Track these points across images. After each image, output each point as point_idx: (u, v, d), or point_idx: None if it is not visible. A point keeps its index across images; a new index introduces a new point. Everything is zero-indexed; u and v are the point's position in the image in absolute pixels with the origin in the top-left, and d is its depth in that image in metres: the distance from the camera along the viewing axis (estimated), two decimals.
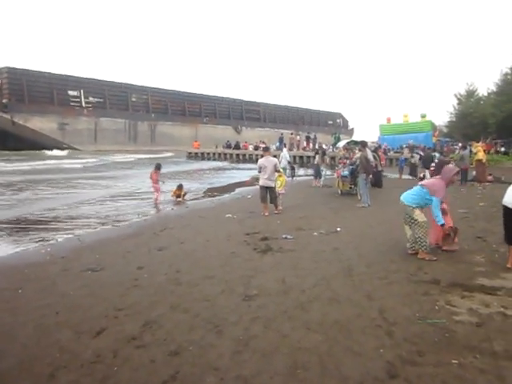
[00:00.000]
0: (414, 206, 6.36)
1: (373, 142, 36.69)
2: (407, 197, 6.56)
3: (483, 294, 4.74)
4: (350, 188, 14.83)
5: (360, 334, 3.80)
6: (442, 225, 6.29)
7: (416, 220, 6.29)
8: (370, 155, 13.04)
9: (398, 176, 21.28)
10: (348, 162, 15.99)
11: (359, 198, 13.54)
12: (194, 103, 69.49)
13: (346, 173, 14.81)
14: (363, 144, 13.58)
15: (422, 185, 6.55)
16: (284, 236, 8.00)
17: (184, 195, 14.46)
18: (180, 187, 14.66)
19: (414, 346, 3.54)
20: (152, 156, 41.87)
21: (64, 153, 46.51)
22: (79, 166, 31.82)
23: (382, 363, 3.29)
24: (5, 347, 3.80)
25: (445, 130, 52.23)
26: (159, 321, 4.21)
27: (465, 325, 3.97)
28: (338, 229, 8.67)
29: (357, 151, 15.41)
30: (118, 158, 41.62)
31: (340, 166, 16.79)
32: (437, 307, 4.38)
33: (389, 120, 43.26)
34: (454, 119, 48.97)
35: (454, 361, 3.30)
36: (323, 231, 8.45)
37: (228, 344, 3.68)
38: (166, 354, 3.53)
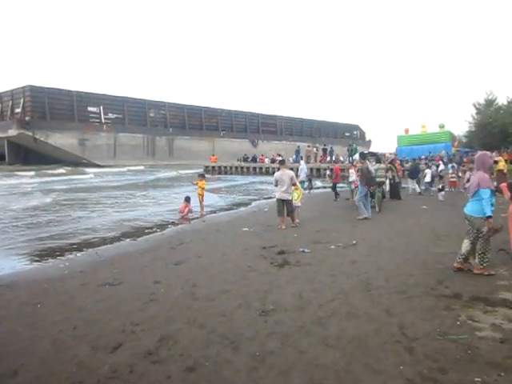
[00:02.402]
0: (485, 215, 5.76)
1: (390, 154, 36.44)
2: (475, 207, 5.94)
3: (507, 309, 4.60)
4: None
5: (379, 350, 3.72)
6: (489, 217, 5.73)
7: (483, 233, 5.85)
8: (370, 167, 12.92)
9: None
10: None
11: (377, 209, 13.41)
12: (211, 117, 70.15)
13: None
14: (362, 156, 13.53)
15: (479, 188, 5.93)
16: (301, 249, 7.94)
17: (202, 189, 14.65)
18: (202, 176, 15.04)
19: (435, 363, 3.44)
20: (188, 171, 41.85)
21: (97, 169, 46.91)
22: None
23: (401, 381, 3.21)
24: (24, 361, 3.83)
25: (464, 140, 51.50)
26: (175, 336, 4.19)
27: (488, 341, 3.85)
28: (354, 242, 8.57)
29: (374, 163, 15.28)
30: (162, 174, 41.44)
31: (357, 178, 16.66)
32: (458, 322, 4.26)
33: (407, 131, 42.95)
34: (473, 129, 48.22)
35: (477, 379, 3.20)
36: (341, 244, 8.36)
37: (244, 360, 3.64)
38: (182, 370, 3.51)
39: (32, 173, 37.82)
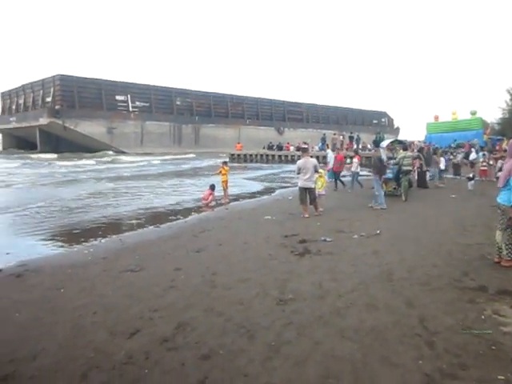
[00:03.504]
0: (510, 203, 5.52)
1: (419, 141, 35.55)
2: (506, 196, 5.65)
3: None
4: (394, 189, 14.38)
5: (397, 343, 3.62)
6: None
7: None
8: (383, 155, 12.61)
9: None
10: (391, 162, 15.51)
11: (403, 198, 13.13)
12: (237, 105, 70.01)
13: (390, 175, 14.35)
14: (376, 144, 13.31)
15: (510, 176, 5.62)
16: (323, 238, 7.83)
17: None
18: (225, 163, 14.83)
19: (456, 359, 3.32)
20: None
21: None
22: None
23: (420, 376, 3.11)
24: (43, 346, 3.90)
25: (496, 127, 49.73)
26: (192, 323, 4.20)
27: None
28: (378, 231, 8.40)
29: (401, 151, 14.93)
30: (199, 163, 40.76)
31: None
32: (483, 317, 4.11)
33: (436, 118, 41.78)
34: (506, 116, 46.48)
35: (500, 377, 3.07)
36: (364, 234, 8.21)
37: (259, 349, 3.61)
38: (197, 358, 3.50)
39: (92, 161, 39.14)
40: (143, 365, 3.43)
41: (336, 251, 6.91)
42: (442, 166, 18.65)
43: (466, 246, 6.95)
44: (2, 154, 52.83)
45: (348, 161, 20.03)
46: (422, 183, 16.51)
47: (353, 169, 16.56)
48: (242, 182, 21.30)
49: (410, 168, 13.98)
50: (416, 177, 16.76)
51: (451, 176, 20.15)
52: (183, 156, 50.24)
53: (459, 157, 20.78)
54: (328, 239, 7.78)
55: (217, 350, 3.62)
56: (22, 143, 60.08)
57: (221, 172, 14.86)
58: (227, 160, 15.17)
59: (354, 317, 4.21)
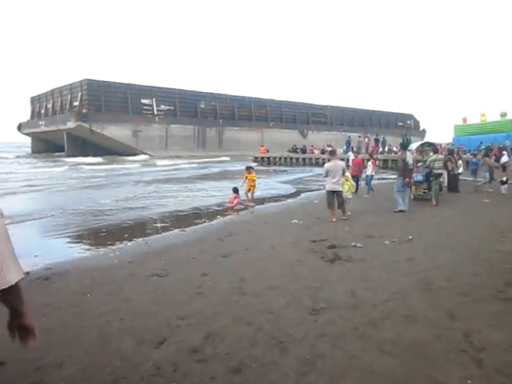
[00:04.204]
0: None
1: (447, 144, 34.69)
2: None
3: None
4: (424, 193, 13.97)
5: (442, 359, 3.37)
6: None
7: None
8: (409, 158, 12.18)
9: (473, 178, 19.95)
10: (421, 164, 15.07)
11: (434, 203, 12.72)
12: (260, 108, 69.93)
13: (420, 177, 13.94)
14: (402, 146, 12.94)
15: None
16: (353, 244, 7.58)
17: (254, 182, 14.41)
18: (250, 169, 14.61)
19: (508, 379, 3.05)
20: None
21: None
22: None
23: None
24: (70, 353, 3.81)
25: None
26: (221, 333, 4.03)
27: None
28: (410, 237, 8.09)
29: (431, 153, 14.49)
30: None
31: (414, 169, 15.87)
32: None
33: (464, 120, 40.70)
34: None
35: None
36: (395, 239, 7.92)
37: (292, 363, 3.41)
38: (227, 371, 3.33)
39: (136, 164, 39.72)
40: (172, 377, 3.28)
41: (368, 258, 6.65)
42: (461, 169, 17.96)
43: (506, 253, 6.59)
44: (42, 157, 53.41)
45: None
46: (453, 187, 15.99)
47: (368, 172, 16.13)
48: (276, 185, 21.38)
49: (441, 171, 13.57)
50: (446, 180, 16.24)
51: (481, 179, 19.48)
52: (216, 159, 50.47)
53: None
54: (358, 245, 7.53)
55: (248, 362, 3.44)
56: (50, 146, 61.50)
57: (247, 177, 14.68)
58: (252, 165, 14.97)
59: (392, 329, 3.97)
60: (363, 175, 16.49)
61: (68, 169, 34.17)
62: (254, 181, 14.65)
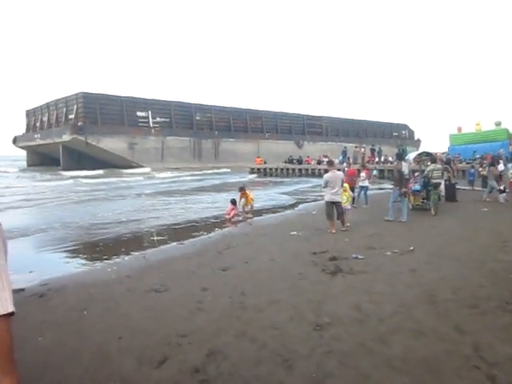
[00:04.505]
0: None
1: (443, 153, 34.76)
2: None
3: None
4: (423, 202, 13.92)
5: (454, 376, 3.26)
6: None
7: None
8: (404, 168, 12.11)
9: (470, 188, 20.02)
10: (419, 174, 15.05)
11: (433, 212, 12.67)
12: (256, 119, 70.12)
13: (418, 187, 13.90)
14: (398, 156, 12.93)
15: None
16: (354, 256, 7.48)
17: (251, 201, 14.22)
18: (243, 190, 14.44)
19: None
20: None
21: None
22: None
23: None
24: (68, 373, 3.67)
25: None
26: (224, 351, 3.90)
27: None
28: (412, 248, 7.99)
29: (429, 163, 14.47)
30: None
31: (410, 179, 15.80)
32: None
33: (460, 129, 40.95)
34: None
35: None
36: (397, 250, 7.82)
37: (299, 382, 3.29)
38: None
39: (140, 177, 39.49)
40: None
41: (370, 270, 6.55)
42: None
43: (510, 263, 6.51)
44: (44, 171, 52.55)
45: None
46: (450, 196, 15.96)
47: (360, 183, 15.94)
48: (274, 196, 21.42)
49: (439, 181, 13.53)
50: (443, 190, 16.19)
51: (479, 188, 19.55)
52: (216, 171, 50.50)
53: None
54: (360, 256, 7.42)
55: (253, 382, 3.31)
56: (45, 160, 61.28)
57: (242, 197, 14.56)
58: (243, 186, 14.90)
59: (400, 344, 3.86)
60: (357, 186, 16.36)
61: (73, 183, 33.58)
62: (248, 197, 14.50)
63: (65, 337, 4.47)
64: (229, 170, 51.23)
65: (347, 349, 3.81)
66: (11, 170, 53.58)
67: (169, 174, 44.69)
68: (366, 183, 16.14)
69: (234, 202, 13.73)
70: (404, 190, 11.81)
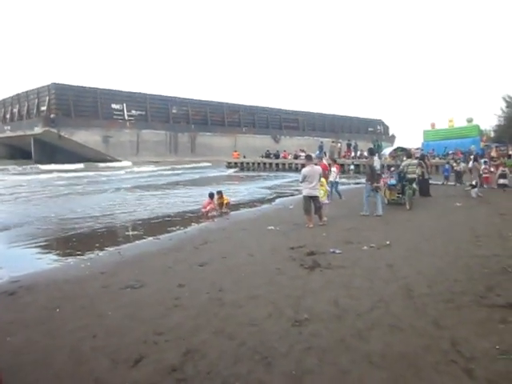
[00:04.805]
0: None
1: (417, 149, 35.38)
2: None
3: None
4: (398, 197, 14.09)
5: (433, 371, 3.27)
6: None
7: None
8: (376, 163, 12.23)
9: (443, 182, 20.48)
10: (394, 169, 15.24)
11: (408, 207, 12.84)
12: (233, 113, 69.93)
13: (394, 182, 14.07)
14: (370, 151, 13.00)
15: None
16: (332, 250, 7.49)
17: (227, 204, 13.85)
18: (220, 193, 14.09)
19: None
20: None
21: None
22: None
23: None
24: (38, 376, 3.53)
25: (492, 134, 49.78)
26: (202, 349, 3.83)
27: None
28: (388, 242, 8.07)
29: (404, 158, 14.66)
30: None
31: (386, 174, 15.97)
32: None
33: (433, 125, 41.78)
34: (502, 123, 46.59)
35: None
36: (374, 245, 7.88)
37: (279, 380, 3.25)
38: None
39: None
40: None
41: (347, 264, 6.56)
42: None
43: (484, 258, 6.62)
44: (19, 164, 50.44)
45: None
46: (424, 191, 16.21)
47: (331, 178, 15.81)
48: (253, 190, 21.32)
49: (414, 176, 13.71)
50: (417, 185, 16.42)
51: (452, 183, 20.05)
52: (197, 165, 49.93)
53: (462, 164, 20.61)
54: (337, 251, 7.44)
55: (231, 381, 3.25)
56: (16, 153, 59.52)
57: (221, 201, 14.11)
58: (220, 190, 14.39)
59: (379, 340, 3.86)
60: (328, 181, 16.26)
61: (52, 177, 32.49)
62: (224, 201, 14.06)
63: (36, 337, 4.31)
64: (210, 164, 50.73)
65: (326, 345, 3.79)
66: None
67: (151, 167, 44.12)
68: (338, 179, 16.16)
69: (211, 195, 13.57)
70: (376, 184, 11.91)
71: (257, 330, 4.18)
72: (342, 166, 34.25)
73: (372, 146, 37.75)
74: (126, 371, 3.50)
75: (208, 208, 13.17)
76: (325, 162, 17.02)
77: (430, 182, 17.57)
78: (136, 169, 42.78)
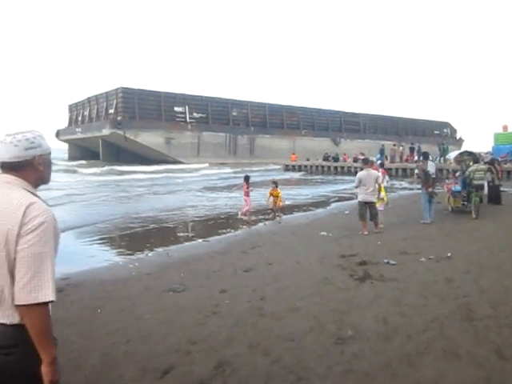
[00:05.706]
0: None
1: (486, 153, 33.14)
2: None
3: None
4: (463, 204, 13.11)
5: None
6: None
7: None
8: (430, 167, 11.39)
9: None
10: (459, 174, 14.21)
11: (474, 215, 11.90)
12: (292, 115, 69.45)
13: (458, 188, 13.11)
14: (425, 156, 12.21)
15: None
16: (385, 261, 7.00)
17: (281, 206, 13.71)
18: (275, 184, 13.93)
19: None
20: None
21: None
22: None
23: None
24: (69, 378, 3.46)
25: None
26: (234, 362, 3.60)
27: None
28: (449, 254, 7.42)
29: (471, 163, 13.64)
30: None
31: (450, 179, 14.95)
32: None
33: (505, 128, 38.93)
34: None
35: None
36: (432, 256, 7.28)
37: None
38: None
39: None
40: None
41: (401, 277, 6.08)
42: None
43: None
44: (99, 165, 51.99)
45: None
46: (494, 199, 15.00)
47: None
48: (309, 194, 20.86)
49: (482, 182, 12.69)
50: (487, 191, 15.23)
51: None
52: (267, 167, 49.38)
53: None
54: (391, 262, 6.94)
55: None
56: (86, 153, 62.93)
57: (272, 194, 13.89)
58: (275, 180, 14.39)
59: (430, 367, 3.43)
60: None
61: (132, 178, 32.43)
62: (278, 197, 13.87)
63: (73, 337, 4.30)
64: (279, 167, 49.36)
65: (369, 369, 3.42)
66: (60, 163, 54.66)
67: (227, 169, 44.30)
68: (385, 183, 15.37)
69: (246, 178, 13.72)
70: (430, 190, 11.18)
71: (294, 346, 3.88)
72: (389, 170, 32.69)
73: (438, 149, 36.00)
74: (153, 382, 3.36)
75: (246, 209, 13.08)
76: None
77: (501, 189, 16.28)
78: (208, 171, 43.09)
